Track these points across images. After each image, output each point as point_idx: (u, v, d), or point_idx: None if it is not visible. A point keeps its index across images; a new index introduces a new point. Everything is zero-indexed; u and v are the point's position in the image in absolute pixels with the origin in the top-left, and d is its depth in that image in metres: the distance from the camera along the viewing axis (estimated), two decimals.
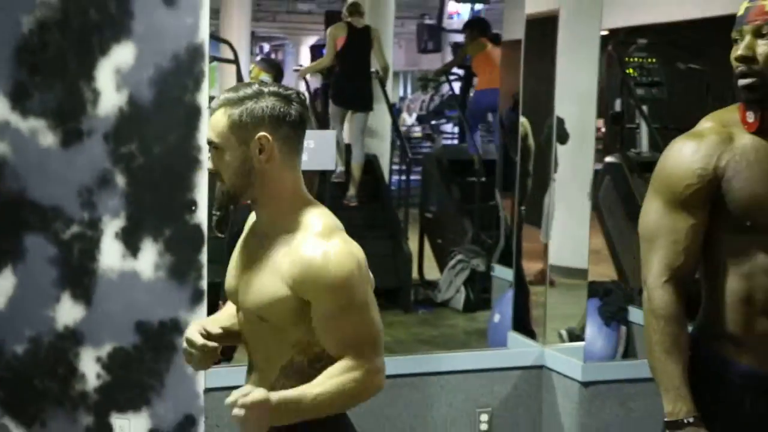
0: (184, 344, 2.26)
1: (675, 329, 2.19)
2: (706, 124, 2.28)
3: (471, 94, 7.85)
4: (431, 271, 6.97)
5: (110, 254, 3.83)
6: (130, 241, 3.81)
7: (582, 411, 3.74)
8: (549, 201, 4.03)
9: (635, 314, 4.40)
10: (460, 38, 8.68)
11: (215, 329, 2.27)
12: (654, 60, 6.05)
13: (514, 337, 4.20)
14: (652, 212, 2.25)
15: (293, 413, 2.04)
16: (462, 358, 4.02)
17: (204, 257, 3.74)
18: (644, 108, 5.86)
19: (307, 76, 8.25)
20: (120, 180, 3.80)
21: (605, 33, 4.55)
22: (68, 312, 3.87)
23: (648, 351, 2.22)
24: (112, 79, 3.78)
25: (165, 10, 3.72)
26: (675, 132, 5.75)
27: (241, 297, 2.21)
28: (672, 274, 2.20)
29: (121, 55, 3.77)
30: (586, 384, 3.72)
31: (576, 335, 4.18)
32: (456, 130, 9.35)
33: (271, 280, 2.11)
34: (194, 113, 3.74)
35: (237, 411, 1.94)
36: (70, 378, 3.88)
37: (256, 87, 2.15)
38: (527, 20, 4.36)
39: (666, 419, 2.19)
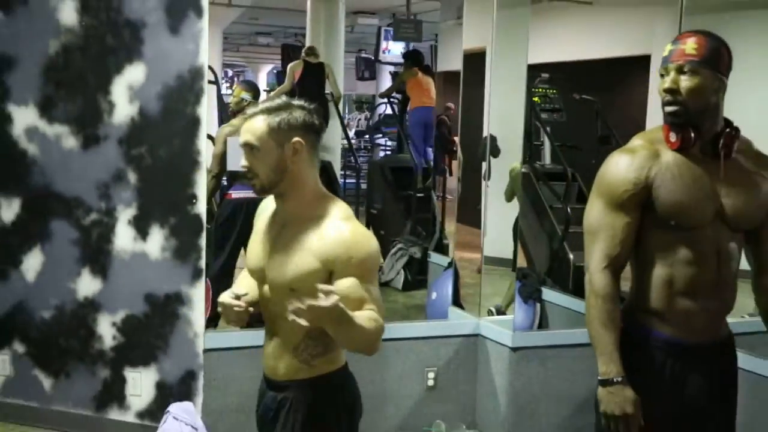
0: (219, 308, 2.21)
1: (611, 306, 2.20)
2: (637, 141, 2.29)
3: (407, 115, 7.86)
4: None
5: (123, 238, 3.77)
6: (141, 227, 3.76)
7: (511, 370, 3.77)
8: (484, 203, 4.03)
9: (547, 294, 4.44)
10: (394, 68, 8.70)
11: (243, 291, 2.21)
12: (555, 91, 6.10)
13: (454, 311, 4.21)
14: (595, 212, 2.26)
15: (338, 323, 1.95)
16: (413, 327, 4.02)
17: (203, 241, 3.70)
18: (547, 129, 5.90)
19: None
20: (132, 177, 3.75)
21: None
22: (88, 285, 3.81)
23: (588, 323, 2.23)
24: (125, 94, 3.73)
25: (171, 37, 3.68)
26: (572, 149, 5.84)
27: (272, 273, 2.16)
28: (610, 261, 2.21)
29: (134, 74, 3.72)
30: (514, 349, 3.75)
31: (501, 311, 4.22)
32: (390, 143, 9.35)
33: (302, 257, 2.08)
34: (194, 123, 3.70)
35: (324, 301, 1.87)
36: (89, 339, 3.82)
37: (285, 100, 2.14)
38: (464, 55, 4.34)
39: (600, 378, 2.21)
